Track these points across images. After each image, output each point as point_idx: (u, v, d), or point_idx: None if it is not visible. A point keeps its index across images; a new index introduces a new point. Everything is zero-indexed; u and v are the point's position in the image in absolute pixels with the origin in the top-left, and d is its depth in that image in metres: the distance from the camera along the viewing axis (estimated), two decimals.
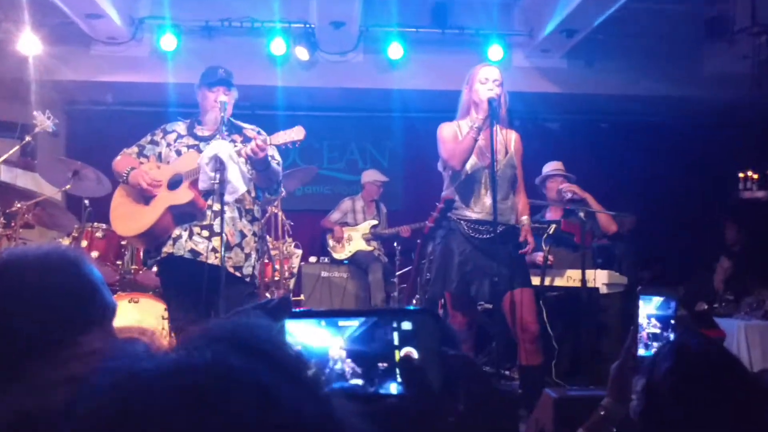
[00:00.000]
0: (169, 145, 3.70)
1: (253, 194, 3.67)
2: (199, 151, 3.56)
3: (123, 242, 5.14)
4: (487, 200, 3.73)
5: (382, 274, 6.90)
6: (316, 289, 7.01)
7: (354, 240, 7.25)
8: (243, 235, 3.57)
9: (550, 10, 6.13)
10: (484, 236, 3.75)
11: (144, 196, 3.56)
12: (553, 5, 6.07)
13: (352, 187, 7.84)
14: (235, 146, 3.50)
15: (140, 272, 5.16)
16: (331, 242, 7.30)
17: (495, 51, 6.51)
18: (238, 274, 3.52)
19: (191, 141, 3.67)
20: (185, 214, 3.48)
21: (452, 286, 3.76)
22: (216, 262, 3.41)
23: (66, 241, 4.97)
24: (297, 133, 3.39)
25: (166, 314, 4.79)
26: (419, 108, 7.70)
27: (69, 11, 5.80)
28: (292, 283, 6.29)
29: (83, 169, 4.90)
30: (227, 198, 3.25)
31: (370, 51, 6.87)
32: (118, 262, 5.15)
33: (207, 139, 3.62)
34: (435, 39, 6.73)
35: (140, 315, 4.80)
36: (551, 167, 5.45)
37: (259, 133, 3.65)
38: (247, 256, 3.56)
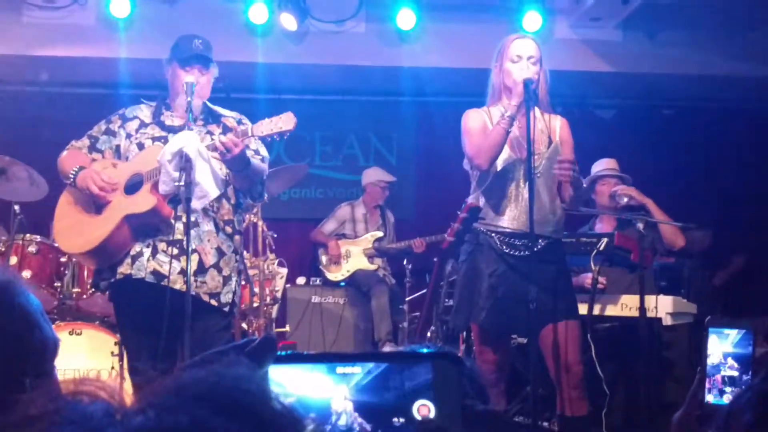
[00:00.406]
0: (129, 136, 3.69)
1: (233, 201, 3.68)
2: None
3: (63, 259, 5.17)
4: (525, 205, 3.73)
5: (389, 299, 6.93)
6: (305, 318, 7.04)
7: (353, 256, 7.27)
8: (221, 254, 3.57)
9: None
10: (521, 253, 3.76)
11: (96, 203, 3.56)
12: None
13: (351, 190, 7.87)
14: (212, 139, 3.52)
15: (84, 297, 5.19)
16: (324, 259, 7.32)
17: (531, 19, 6.53)
18: (213, 302, 3.52)
19: (157, 131, 3.67)
20: (147, 226, 3.48)
21: (480, 317, 3.77)
22: (185, 287, 3.40)
23: None
24: (286, 122, 3.37)
25: (116, 349, 4.83)
26: (435, 90, 7.72)
27: None
28: (275, 310, 6.31)
29: (12, 167, 4.94)
30: (195, 204, 3.27)
31: (374, 19, 6.90)
32: (57, 284, 5.18)
33: (177, 130, 3.61)
34: (456, 4, 6.76)
35: (84, 350, 4.83)
36: (602, 166, 5.47)
37: (240, 122, 3.66)
38: (226, 279, 3.56)
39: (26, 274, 5.03)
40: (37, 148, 6.54)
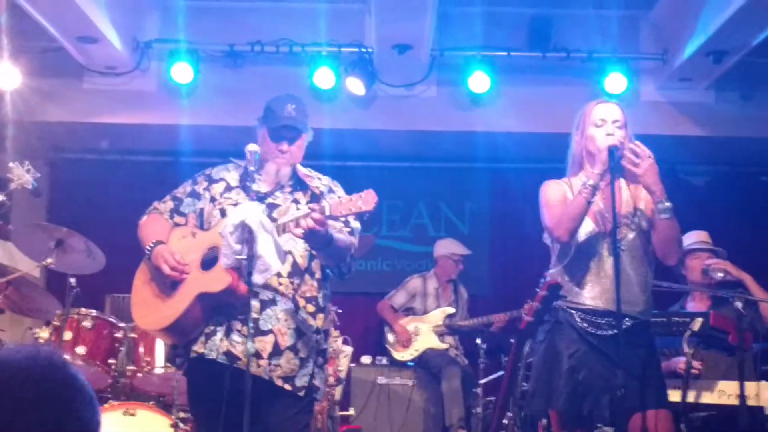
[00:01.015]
0: (213, 200, 3.67)
1: (318, 275, 3.63)
2: None
3: (118, 335, 5.25)
4: (609, 282, 3.67)
5: (461, 382, 6.84)
6: (370, 401, 6.98)
7: (422, 334, 7.22)
8: (299, 334, 3.51)
9: (691, 25, 6.16)
10: (605, 332, 3.69)
11: (169, 281, 3.56)
12: (695, 18, 6.10)
13: (420, 262, 7.86)
14: (297, 208, 3.53)
15: (139, 375, 5.24)
16: (390, 338, 7.29)
17: (615, 81, 6.53)
18: (287, 387, 3.46)
19: (242, 197, 3.64)
20: (221, 304, 3.45)
21: (559, 402, 3.69)
22: (259, 371, 3.39)
23: (44, 333, 5.10)
24: (366, 201, 3.30)
25: (171, 431, 4.84)
26: (510, 156, 7.74)
27: (56, 33, 6.10)
28: (338, 392, 6.28)
29: (69, 238, 5.05)
30: (257, 278, 3.27)
31: (446, 82, 6.98)
32: (111, 361, 5.24)
33: (263, 198, 3.61)
34: (533, 66, 6.80)
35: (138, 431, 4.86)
36: (692, 239, 5.38)
37: (330, 191, 3.66)
38: (303, 362, 3.51)
39: (80, 350, 5.11)
40: (96, 219, 6.74)
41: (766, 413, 4.60)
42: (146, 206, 3.83)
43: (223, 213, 3.59)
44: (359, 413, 6.92)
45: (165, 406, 5.15)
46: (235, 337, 3.44)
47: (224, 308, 3.44)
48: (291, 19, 6.75)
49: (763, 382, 4.63)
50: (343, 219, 3.43)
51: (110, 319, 5.30)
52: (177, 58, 6.58)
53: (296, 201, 3.63)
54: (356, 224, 3.61)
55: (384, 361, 7.24)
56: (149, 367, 5.20)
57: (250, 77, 6.83)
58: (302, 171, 3.75)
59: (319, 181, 3.74)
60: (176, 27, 6.62)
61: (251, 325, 3.34)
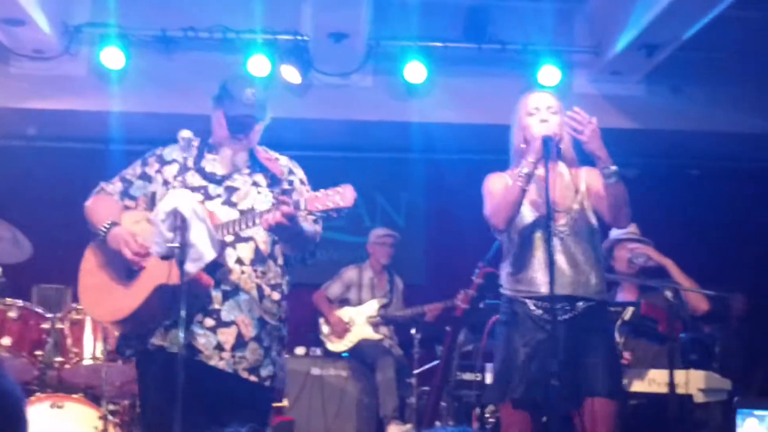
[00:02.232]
0: (166, 183, 3.53)
1: (280, 261, 3.56)
2: (208, 197, 3.45)
3: (45, 326, 5.13)
4: (556, 267, 3.69)
5: (395, 372, 6.85)
6: (304, 392, 6.95)
7: (357, 325, 7.22)
8: (263, 324, 3.44)
9: (624, 19, 6.23)
10: (561, 317, 3.69)
11: (127, 264, 3.41)
12: (628, 12, 6.17)
13: (356, 253, 7.84)
14: (258, 192, 3.48)
15: (67, 366, 5.13)
16: (325, 329, 7.27)
17: (548, 73, 6.59)
18: (253, 378, 3.38)
19: (197, 180, 3.52)
20: (181, 295, 3.25)
21: (515, 393, 3.70)
22: (222, 365, 3.32)
23: None
24: (344, 198, 3.22)
25: (100, 424, 4.76)
26: (446, 147, 7.75)
27: None
28: None
29: None
30: (189, 267, 3.19)
31: (382, 72, 6.97)
32: (37, 353, 5.12)
33: (219, 181, 3.51)
34: (468, 57, 6.82)
35: (66, 424, 4.76)
36: (621, 230, 5.44)
37: (290, 173, 3.60)
38: (267, 351, 3.44)
39: (5, 341, 4.99)
40: (22, 206, 6.58)
41: (695, 401, 4.68)
42: (75, 195, 3.72)
43: None
44: (293, 404, 6.87)
45: (94, 398, 5.05)
46: (196, 329, 3.33)
47: (185, 299, 3.23)
48: (226, 5, 6.66)
49: (692, 371, 4.71)
50: (320, 214, 3.31)
51: (37, 310, 5.18)
52: (107, 43, 6.46)
53: (256, 184, 3.54)
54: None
55: (318, 352, 7.21)
56: (77, 359, 5.10)
57: (183, 64, 6.73)
58: (261, 153, 3.65)
59: (278, 162, 3.65)
60: (107, 11, 6.46)
61: (212, 316, 3.27)
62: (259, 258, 3.47)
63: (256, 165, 3.61)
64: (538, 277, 3.76)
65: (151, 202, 3.53)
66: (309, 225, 3.47)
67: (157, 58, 6.72)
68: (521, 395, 3.69)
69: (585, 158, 3.87)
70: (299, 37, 6.60)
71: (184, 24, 6.56)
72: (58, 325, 5.13)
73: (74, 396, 4.94)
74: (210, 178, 3.52)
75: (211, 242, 3.23)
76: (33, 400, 4.84)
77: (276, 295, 3.51)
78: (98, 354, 5.06)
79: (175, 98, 6.59)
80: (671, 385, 4.43)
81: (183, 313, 3.14)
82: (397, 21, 6.71)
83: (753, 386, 6.14)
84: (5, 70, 6.71)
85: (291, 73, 6.65)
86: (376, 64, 6.91)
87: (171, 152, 3.62)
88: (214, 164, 3.57)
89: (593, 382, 3.65)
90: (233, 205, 3.46)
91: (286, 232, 3.29)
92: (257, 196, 3.49)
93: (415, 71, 6.69)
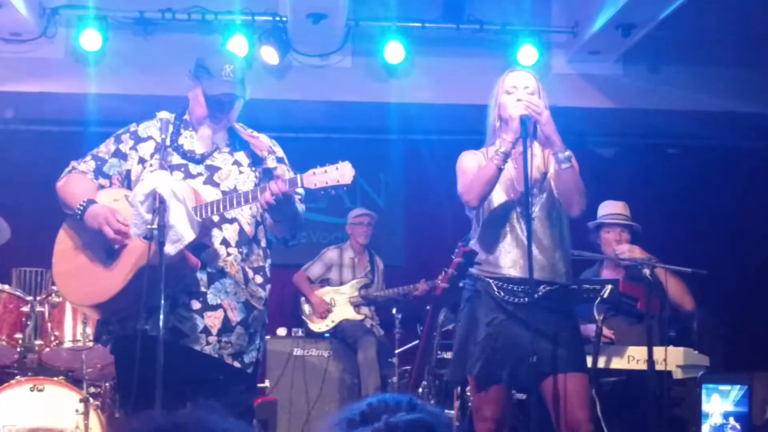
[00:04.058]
0: (142, 161, 3.44)
1: (263, 244, 3.50)
2: (189, 175, 3.37)
3: (25, 309, 5.09)
4: (523, 249, 3.70)
5: (377, 352, 6.85)
6: (286, 373, 6.95)
7: (338, 305, 7.21)
8: (249, 308, 3.38)
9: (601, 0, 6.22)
10: (521, 300, 3.72)
11: (106, 243, 3.29)
12: None
13: (336, 234, 7.83)
14: (240, 171, 3.43)
15: (47, 350, 5.10)
16: (306, 309, 7.26)
17: (527, 53, 6.57)
18: (236, 364, 3.33)
19: (175, 159, 3.43)
20: (168, 277, 3.15)
21: (475, 368, 3.72)
22: (209, 349, 3.25)
23: None
24: (342, 174, 3.13)
25: (81, 407, 4.73)
26: (425, 128, 7.74)
27: None
28: None
29: None
30: (168, 249, 3.14)
31: (361, 53, 6.93)
32: (17, 336, 5.09)
33: (198, 160, 3.43)
34: (447, 37, 6.80)
35: (46, 407, 4.74)
36: (608, 210, 5.43)
37: (281, 160, 3.53)
38: (252, 337, 3.38)
39: None
40: (0, 190, 6.51)
41: (674, 377, 4.71)
42: (53, 177, 3.58)
43: None
44: (275, 385, 6.87)
45: (74, 381, 5.03)
46: (182, 311, 3.27)
47: (170, 281, 3.15)
48: None
49: (670, 348, 4.74)
50: (321, 193, 3.23)
51: (17, 293, 5.14)
52: (85, 25, 6.38)
53: (238, 163, 3.48)
54: (302, 190, 3.37)
55: (300, 332, 7.20)
56: (57, 342, 5.06)
57: (161, 45, 6.67)
58: (241, 130, 3.57)
59: (259, 140, 3.57)
60: None
61: (199, 298, 3.22)
62: (243, 239, 3.42)
63: (236, 143, 3.54)
64: (505, 260, 3.76)
65: (126, 180, 3.44)
66: (299, 205, 3.42)
67: (135, 40, 6.66)
68: (479, 371, 3.71)
69: (569, 140, 3.86)
70: (278, 18, 6.55)
71: (162, 5, 6.50)
72: (38, 308, 5.10)
73: (55, 379, 4.91)
74: (189, 156, 3.45)
75: (191, 223, 3.19)
76: (13, 383, 4.81)
77: (259, 279, 3.46)
78: (78, 337, 5.03)
79: (153, 80, 6.53)
80: (650, 361, 4.45)
81: (162, 295, 3.07)
82: (375, 1, 6.67)
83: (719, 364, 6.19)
84: None
85: (270, 54, 6.61)
86: (354, 44, 6.87)
87: (147, 129, 3.52)
88: (192, 142, 3.49)
89: (560, 360, 3.67)
90: (216, 185, 3.41)
91: (282, 211, 3.22)
92: (239, 176, 3.44)
93: (394, 52, 6.65)
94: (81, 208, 3.31)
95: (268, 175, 3.41)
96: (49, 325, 5.10)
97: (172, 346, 3.15)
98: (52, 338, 5.09)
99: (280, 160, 3.59)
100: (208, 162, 3.46)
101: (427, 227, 7.83)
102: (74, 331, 5.05)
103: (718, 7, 6.16)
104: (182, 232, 3.15)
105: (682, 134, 8.00)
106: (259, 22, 6.56)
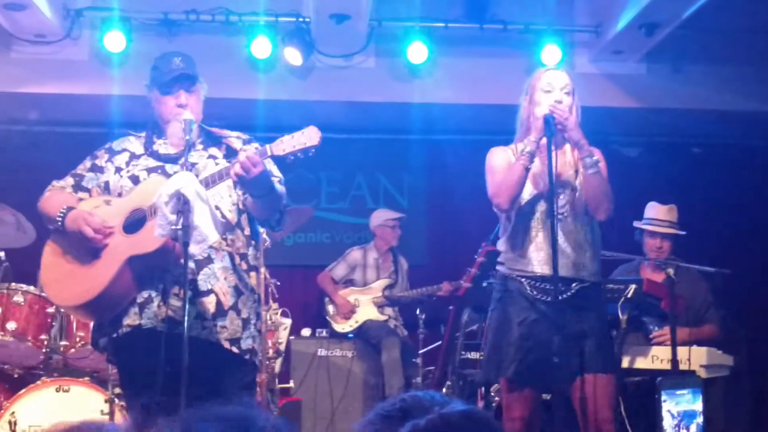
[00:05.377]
0: (119, 170, 3.53)
1: (247, 231, 3.55)
2: (166, 175, 3.42)
3: (50, 310, 5.13)
4: (559, 248, 3.69)
5: (400, 352, 6.86)
6: (310, 373, 6.97)
7: (362, 306, 7.22)
8: (238, 293, 3.43)
9: None
10: (554, 298, 3.71)
11: (90, 248, 3.35)
12: None
13: (360, 234, 7.84)
14: (216, 164, 3.45)
15: (72, 351, 5.15)
16: (331, 309, 7.27)
17: (550, 52, 6.55)
18: (234, 349, 3.36)
19: (152, 162, 3.52)
20: (154, 268, 3.28)
21: (509, 371, 3.72)
22: (205, 334, 3.29)
23: None
24: (310, 137, 3.19)
25: (106, 407, 4.77)
26: (448, 128, 7.73)
27: None
28: (278, 364, 6.25)
29: None
30: (193, 249, 3.17)
31: (384, 53, 6.93)
32: (43, 337, 5.13)
33: (174, 159, 3.48)
34: (470, 37, 6.78)
35: (72, 408, 4.77)
36: (653, 214, 5.43)
37: (248, 142, 3.56)
38: (245, 323, 3.42)
39: (11, 325, 5.00)
40: (25, 192, 6.52)
41: (698, 377, 4.69)
42: None
43: (135, 179, 3.46)
44: (299, 386, 6.90)
45: (100, 381, 5.07)
46: (174, 301, 3.29)
47: (156, 272, 3.27)
48: None
49: (694, 347, 4.72)
50: (268, 169, 3.30)
51: (42, 295, 5.18)
52: (109, 27, 6.40)
53: (213, 157, 3.53)
54: (280, 174, 3.49)
55: (324, 333, 7.22)
56: (83, 343, 5.11)
57: (185, 47, 6.60)
58: (213, 129, 3.63)
59: (232, 134, 3.62)
60: None
61: (189, 286, 3.25)
62: (226, 226, 3.45)
63: (209, 140, 3.60)
64: (535, 258, 3.76)
65: (106, 191, 3.51)
66: (276, 184, 3.43)
67: (159, 41, 6.67)
68: (514, 373, 3.71)
69: (593, 139, 3.87)
70: (301, 19, 6.57)
71: (187, 7, 6.52)
72: (70, 314, 5.13)
73: (80, 380, 4.96)
74: (165, 158, 3.51)
75: (214, 224, 3.22)
76: (39, 384, 4.86)
77: (244, 265, 3.50)
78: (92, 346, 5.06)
79: None
80: (674, 361, 4.44)
81: (208, 284, 3.25)
82: (399, 1, 6.67)
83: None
84: (6, 54, 6.68)
85: (293, 55, 6.62)
86: (378, 45, 6.87)
87: (120, 143, 3.64)
88: (166, 147, 3.56)
89: (589, 359, 3.67)
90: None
91: (257, 185, 3.25)
92: (215, 168, 3.44)
93: (417, 52, 6.65)
94: (61, 214, 3.39)
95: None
96: (74, 325, 5.14)
97: (168, 337, 3.18)
98: (77, 339, 5.13)
99: (246, 142, 3.61)
100: (182, 160, 3.48)
101: (450, 227, 7.82)
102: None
103: (741, 5, 6.11)
104: (207, 232, 3.19)
105: (706, 134, 7.94)
106: (283, 23, 6.58)
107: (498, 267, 3.86)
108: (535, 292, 3.74)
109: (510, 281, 3.80)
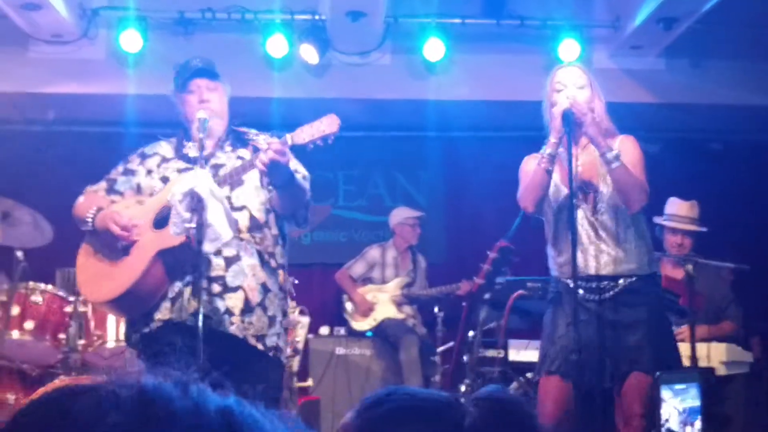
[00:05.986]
0: (150, 172, 3.62)
1: (274, 230, 3.60)
2: None
3: (68, 309, 5.16)
4: (593, 247, 3.68)
5: (419, 351, 6.85)
6: (328, 372, 6.97)
7: (380, 304, 7.22)
8: (266, 290, 3.49)
9: None
10: (601, 297, 3.72)
11: (121, 246, 3.44)
12: None
13: (377, 232, 7.84)
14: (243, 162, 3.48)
15: (90, 349, 5.17)
16: (349, 307, 7.27)
17: (568, 48, 6.52)
18: (260, 346, 3.41)
19: (182, 164, 3.60)
20: (184, 263, 3.34)
21: (553, 366, 3.71)
22: (234, 330, 3.34)
23: None
24: (329, 125, 3.27)
25: None
26: (465, 125, 7.71)
27: None
28: (296, 363, 6.26)
29: (15, 210, 4.97)
30: (207, 247, 3.21)
31: (400, 50, 6.93)
32: (61, 336, 5.17)
33: (206, 161, 3.52)
34: (487, 33, 6.77)
35: None
36: (673, 210, 5.41)
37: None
38: (272, 320, 3.47)
39: (29, 325, 5.03)
40: (42, 191, 6.61)
41: (717, 374, 4.67)
42: (93, 178, 3.78)
43: (165, 180, 3.53)
44: (317, 384, 6.90)
45: None
46: (204, 296, 3.32)
47: (187, 266, 3.32)
48: None
49: (713, 344, 4.70)
50: (294, 168, 3.38)
51: (60, 293, 5.22)
52: (125, 26, 6.44)
53: (241, 158, 3.57)
54: (305, 171, 3.57)
55: (342, 331, 7.22)
56: (100, 342, 5.14)
57: (201, 45, 6.70)
58: (242, 131, 3.69)
59: (258, 133, 3.68)
60: None
61: (218, 282, 3.28)
62: (254, 225, 3.51)
63: (238, 141, 3.66)
64: (579, 258, 3.72)
65: (138, 193, 3.60)
66: (300, 179, 3.50)
67: (175, 40, 6.71)
68: (557, 368, 3.70)
69: (622, 126, 3.85)
70: (317, 17, 6.57)
71: (202, 5, 6.54)
72: (81, 309, 5.17)
73: (98, 378, 4.97)
74: (194, 160, 3.54)
75: (228, 222, 3.25)
76: (56, 383, 4.87)
77: (273, 263, 3.55)
78: (121, 336, 5.09)
79: None
80: (693, 358, 4.42)
81: (237, 281, 3.33)
82: None
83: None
84: (23, 54, 6.72)
85: (309, 53, 6.63)
86: (394, 42, 6.87)
87: (152, 148, 3.72)
88: (195, 149, 3.58)
89: (635, 358, 3.64)
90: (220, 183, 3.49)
91: (281, 174, 3.29)
92: (250, 159, 3.49)
93: (433, 49, 6.63)
94: (91, 215, 3.48)
95: None
96: (92, 324, 5.17)
97: (198, 330, 3.20)
98: (95, 338, 5.16)
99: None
100: (212, 162, 3.57)
101: (468, 225, 7.81)
102: (117, 330, 5.12)
103: None
104: (220, 230, 3.22)
105: (725, 129, 7.90)
106: (299, 21, 6.58)
107: (551, 270, 3.87)
108: (582, 292, 3.71)
109: (560, 284, 3.81)
